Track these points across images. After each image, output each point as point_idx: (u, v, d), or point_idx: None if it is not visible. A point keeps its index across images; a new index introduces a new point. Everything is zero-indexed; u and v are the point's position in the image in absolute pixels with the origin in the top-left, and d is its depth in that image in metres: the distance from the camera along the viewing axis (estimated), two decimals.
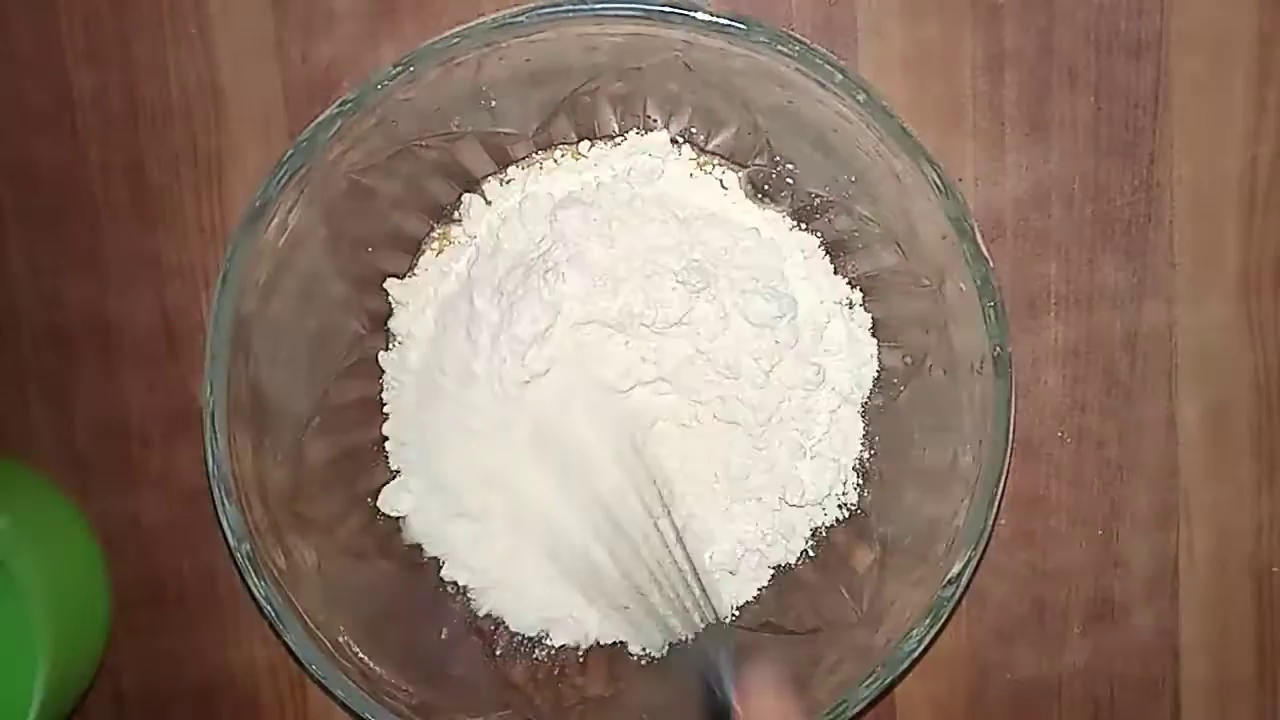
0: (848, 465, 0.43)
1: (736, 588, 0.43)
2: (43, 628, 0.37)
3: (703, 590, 0.38)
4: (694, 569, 0.38)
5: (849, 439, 0.43)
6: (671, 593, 0.38)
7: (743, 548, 0.42)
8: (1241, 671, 0.47)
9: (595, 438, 0.40)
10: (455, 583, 0.44)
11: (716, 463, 0.42)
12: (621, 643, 0.44)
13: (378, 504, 0.44)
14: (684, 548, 0.39)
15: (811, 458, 0.42)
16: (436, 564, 0.44)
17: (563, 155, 0.44)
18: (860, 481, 0.43)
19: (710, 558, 0.42)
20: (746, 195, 0.43)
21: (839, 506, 0.43)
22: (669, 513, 0.39)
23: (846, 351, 0.42)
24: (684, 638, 0.38)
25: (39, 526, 0.42)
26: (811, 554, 0.44)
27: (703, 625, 0.37)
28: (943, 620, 0.37)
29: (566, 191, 0.43)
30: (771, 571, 0.44)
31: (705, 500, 0.42)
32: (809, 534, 0.43)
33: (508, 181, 0.43)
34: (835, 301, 0.43)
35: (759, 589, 0.44)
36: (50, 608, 0.38)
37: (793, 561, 0.44)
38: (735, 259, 0.41)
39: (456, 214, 0.44)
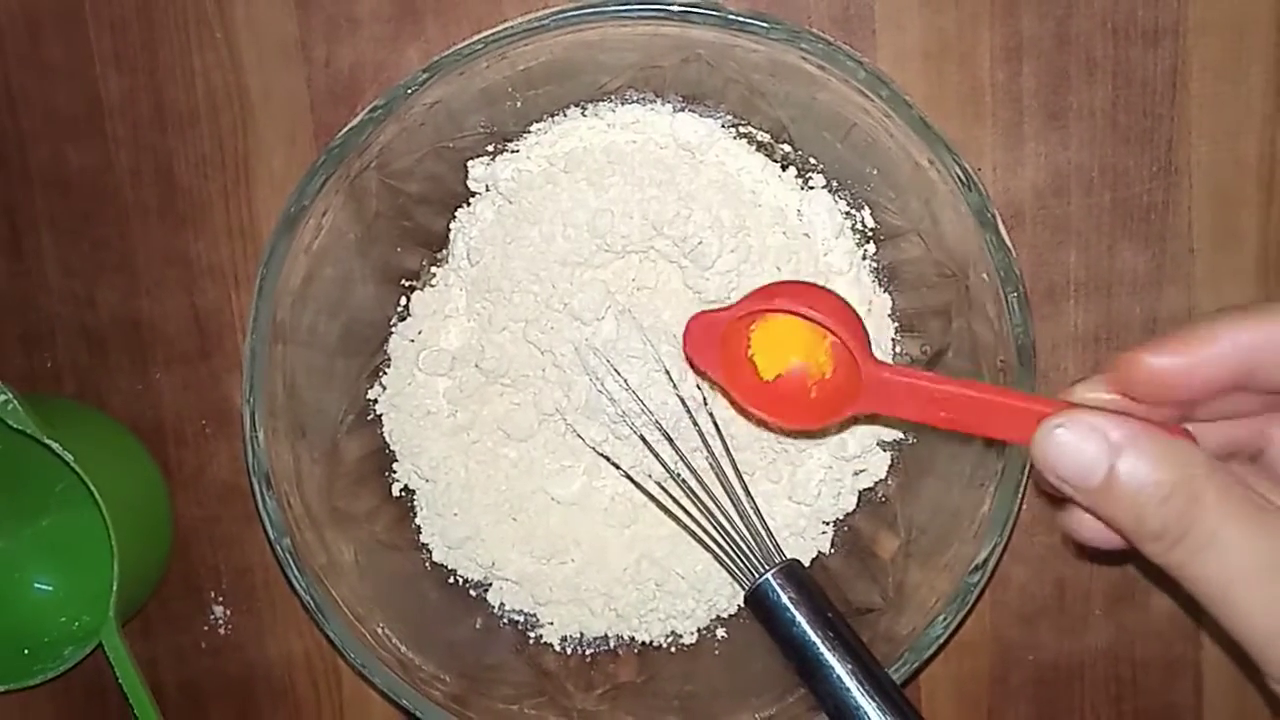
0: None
1: (801, 547, 0.44)
2: (115, 530, 0.43)
3: (766, 530, 0.40)
4: (757, 510, 0.40)
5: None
6: (736, 535, 0.40)
7: (800, 504, 0.43)
8: None
9: (655, 388, 0.41)
10: (489, 581, 0.45)
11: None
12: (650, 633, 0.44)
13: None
14: (747, 491, 0.40)
15: None
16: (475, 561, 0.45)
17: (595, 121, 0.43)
18: (889, 464, 0.44)
19: (771, 517, 0.43)
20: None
21: (863, 492, 0.44)
22: (732, 459, 0.41)
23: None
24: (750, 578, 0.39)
25: (109, 449, 0.47)
26: (838, 541, 0.44)
27: (766, 566, 0.39)
28: (969, 606, 0.38)
29: (606, 145, 0.42)
30: (831, 530, 0.44)
31: (761, 456, 0.43)
32: (858, 493, 0.44)
33: (536, 145, 0.43)
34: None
35: (818, 551, 0.44)
36: (121, 514, 0.43)
37: (843, 517, 0.44)
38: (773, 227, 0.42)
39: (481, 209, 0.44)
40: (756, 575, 0.39)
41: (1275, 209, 0.45)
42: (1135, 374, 0.27)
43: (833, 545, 0.44)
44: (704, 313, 0.35)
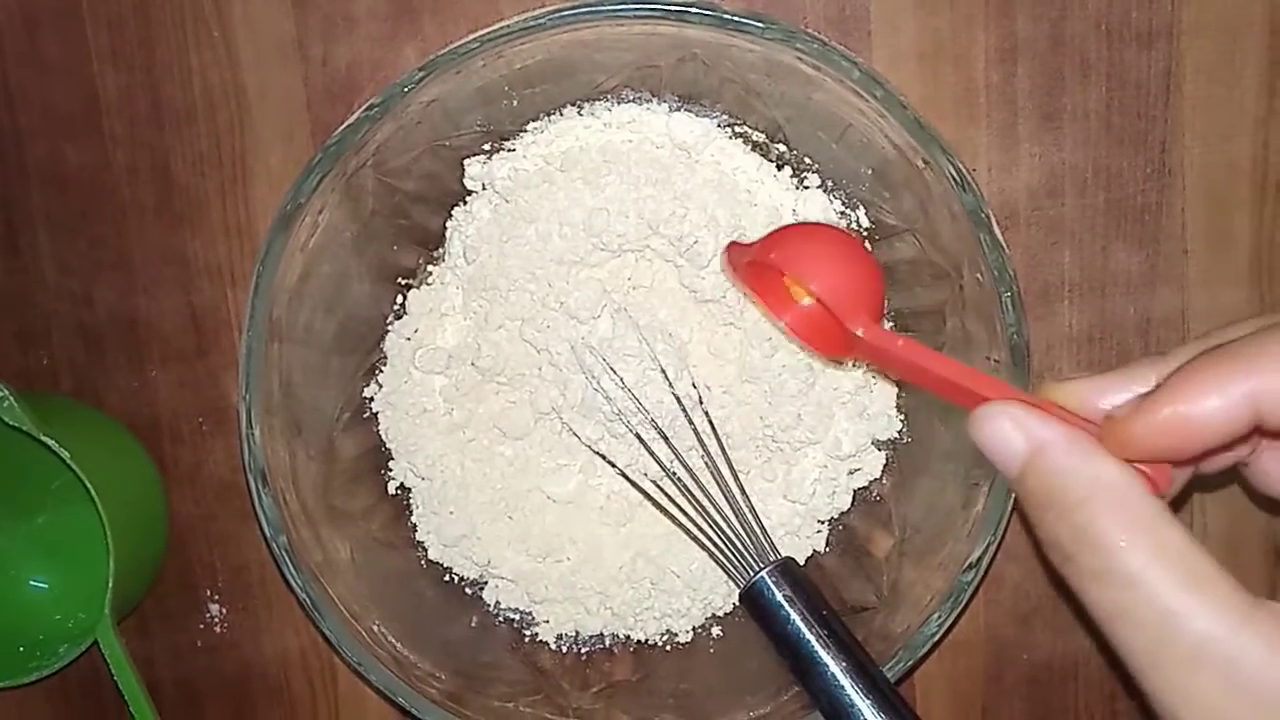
0: (878, 414, 0.44)
1: (796, 546, 0.44)
2: (111, 528, 0.43)
3: (761, 528, 0.40)
4: (752, 509, 0.40)
5: (876, 400, 0.44)
6: (731, 533, 0.40)
7: (795, 503, 0.43)
8: None
9: (649, 386, 0.42)
10: (484, 579, 0.45)
11: (764, 415, 0.43)
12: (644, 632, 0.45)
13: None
14: (743, 490, 0.41)
15: (844, 403, 0.43)
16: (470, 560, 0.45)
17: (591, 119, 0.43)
18: (884, 463, 0.44)
19: (767, 516, 0.43)
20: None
21: (858, 491, 0.44)
22: (727, 458, 0.41)
23: None
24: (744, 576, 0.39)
25: (106, 446, 0.47)
26: (832, 540, 0.45)
27: (761, 565, 0.39)
28: (963, 604, 0.38)
29: (602, 144, 0.43)
30: (825, 528, 0.44)
31: (757, 455, 0.43)
32: (853, 492, 0.44)
33: (533, 143, 0.43)
34: None
35: (813, 549, 0.44)
36: (117, 511, 0.43)
37: (838, 516, 0.44)
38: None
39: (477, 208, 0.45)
40: (751, 573, 0.39)
41: (1268, 211, 0.46)
42: (1132, 437, 0.25)
43: (827, 544, 0.44)
44: (735, 243, 0.37)
